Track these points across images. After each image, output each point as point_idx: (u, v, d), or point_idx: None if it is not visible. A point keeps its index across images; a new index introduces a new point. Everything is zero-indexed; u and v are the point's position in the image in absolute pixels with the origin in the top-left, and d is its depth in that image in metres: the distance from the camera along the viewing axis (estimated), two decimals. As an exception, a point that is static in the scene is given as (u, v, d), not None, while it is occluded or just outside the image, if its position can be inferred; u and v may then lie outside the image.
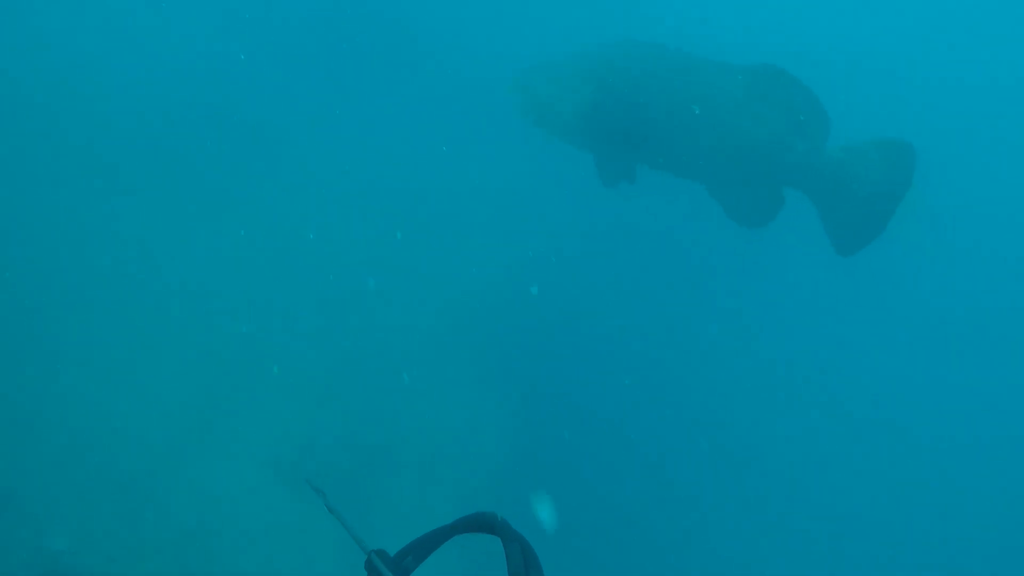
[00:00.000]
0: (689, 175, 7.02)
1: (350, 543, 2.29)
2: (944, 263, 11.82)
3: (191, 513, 6.66)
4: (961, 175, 11.14)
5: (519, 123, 7.22)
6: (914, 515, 9.87)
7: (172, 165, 8.56)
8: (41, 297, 7.20)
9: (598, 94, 6.61)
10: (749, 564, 8.82)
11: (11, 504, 6.23)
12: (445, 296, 8.91)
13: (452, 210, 9.51)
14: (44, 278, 7.34)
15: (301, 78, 9.93)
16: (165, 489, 6.77)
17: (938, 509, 9.95)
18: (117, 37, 9.59)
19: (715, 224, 7.28)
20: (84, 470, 6.54)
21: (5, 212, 7.71)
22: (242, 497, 6.99)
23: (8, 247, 7.51)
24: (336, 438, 7.75)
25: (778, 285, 10.56)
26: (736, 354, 10.09)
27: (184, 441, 6.98)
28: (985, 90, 13.05)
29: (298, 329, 8.08)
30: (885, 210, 6.61)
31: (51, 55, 9.10)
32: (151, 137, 8.73)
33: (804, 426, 10.16)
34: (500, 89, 7.25)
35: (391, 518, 7.28)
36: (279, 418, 7.55)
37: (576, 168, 7.48)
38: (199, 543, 6.57)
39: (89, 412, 6.70)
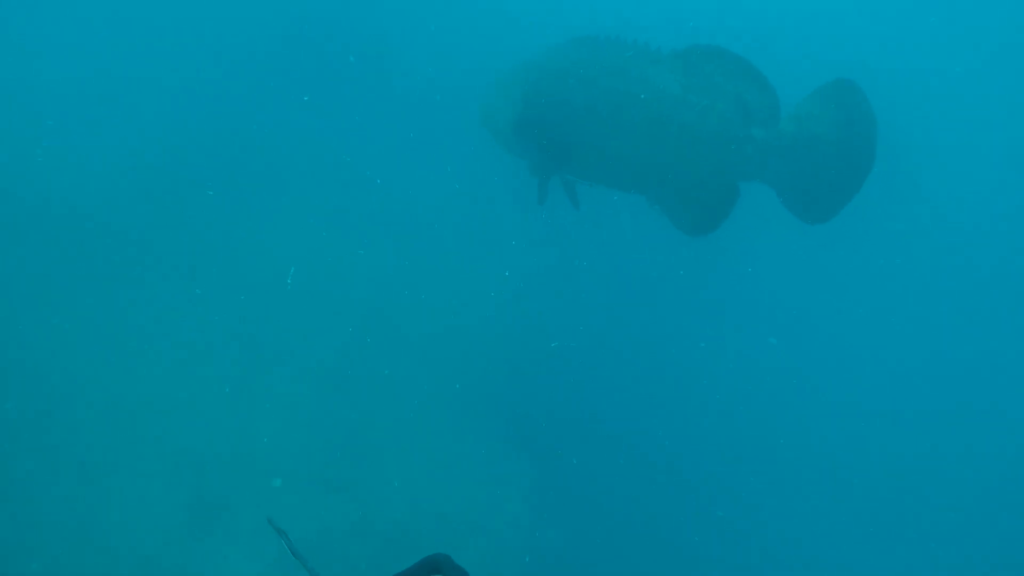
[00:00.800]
0: (635, 187, 6.47)
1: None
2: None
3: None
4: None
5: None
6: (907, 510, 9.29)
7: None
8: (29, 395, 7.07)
9: (525, 102, 6.28)
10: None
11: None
12: (447, 366, 8.68)
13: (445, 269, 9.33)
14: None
15: (275, 114, 9.80)
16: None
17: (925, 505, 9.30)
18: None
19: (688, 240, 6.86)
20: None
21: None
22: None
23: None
24: (352, 525, 7.38)
25: (777, 284, 10.19)
26: (757, 387, 9.63)
27: (188, 541, 6.66)
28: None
29: (301, 410, 7.87)
30: (864, 155, 6.08)
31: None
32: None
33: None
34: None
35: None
36: (289, 509, 7.22)
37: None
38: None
39: (83, 520, 6.43)
